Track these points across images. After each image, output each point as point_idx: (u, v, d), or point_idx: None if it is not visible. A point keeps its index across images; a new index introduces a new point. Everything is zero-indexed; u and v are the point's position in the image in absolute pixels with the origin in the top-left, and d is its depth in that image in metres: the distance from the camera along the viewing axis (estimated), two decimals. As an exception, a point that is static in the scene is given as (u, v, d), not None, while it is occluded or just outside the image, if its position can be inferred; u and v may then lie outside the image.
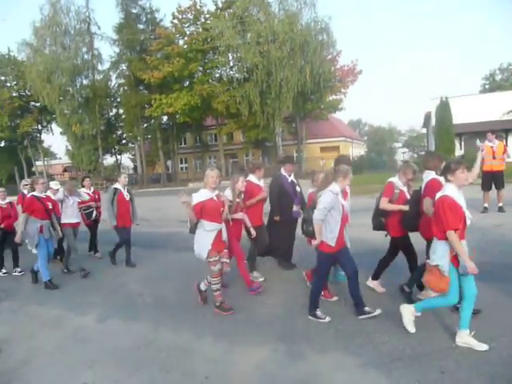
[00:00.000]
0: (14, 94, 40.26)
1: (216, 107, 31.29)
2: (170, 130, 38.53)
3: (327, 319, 4.49)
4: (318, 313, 4.55)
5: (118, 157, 47.88)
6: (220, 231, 4.95)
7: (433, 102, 27.91)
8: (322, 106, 33.60)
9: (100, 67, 38.24)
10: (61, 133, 41.36)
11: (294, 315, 4.79)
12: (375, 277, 5.32)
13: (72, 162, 42.42)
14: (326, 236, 4.43)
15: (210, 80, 33.84)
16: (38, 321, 5.32)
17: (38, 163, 47.28)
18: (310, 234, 4.66)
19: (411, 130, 68.22)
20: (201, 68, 33.86)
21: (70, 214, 7.43)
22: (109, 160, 49.43)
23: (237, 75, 31.48)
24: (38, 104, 39.86)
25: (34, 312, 5.68)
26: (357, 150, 46.85)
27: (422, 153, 49.79)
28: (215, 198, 4.91)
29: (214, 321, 4.82)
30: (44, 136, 46.32)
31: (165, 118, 37.77)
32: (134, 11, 36.93)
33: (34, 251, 6.56)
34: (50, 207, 6.72)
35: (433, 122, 28.16)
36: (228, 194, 5.48)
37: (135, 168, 51.88)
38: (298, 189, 6.47)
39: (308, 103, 32.40)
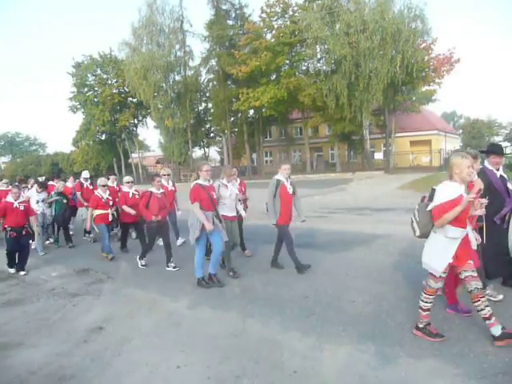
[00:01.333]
0: (114, 91, 43.35)
1: (302, 100, 31.08)
2: (256, 124, 39.08)
3: None
4: None
5: (206, 149, 49.68)
6: (466, 238, 3.83)
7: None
8: (414, 98, 31.94)
9: (191, 63, 39.77)
10: (154, 126, 43.91)
11: (385, 316, 4.60)
12: None
13: (164, 154, 44.80)
14: None
15: (297, 73, 33.70)
16: (135, 303, 5.68)
17: (134, 155, 50.61)
18: None
19: (514, 123, 62.17)
20: (287, 61, 33.83)
21: (228, 206, 6.58)
22: (197, 153, 51.47)
23: (324, 67, 31.00)
24: (134, 100, 42.53)
25: (131, 294, 6.08)
26: (451, 145, 43.75)
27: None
28: (464, 194, 3.74)
29: (301, 315, 4.80)
30: (139, 130, 49.40)
31: (251, 111, 38.36)
32: (224, 8, 37.85)
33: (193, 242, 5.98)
34: (215, 197, 6.16)
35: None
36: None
37: (222, 160, 53.48)
38: (510, 186, 4.99)
39: (398, 95, 30.97)
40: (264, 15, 33.87)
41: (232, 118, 40.67)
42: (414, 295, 5.09)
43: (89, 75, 44.62)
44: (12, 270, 7.74)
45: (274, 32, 33.50)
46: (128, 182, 8.79)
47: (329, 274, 6.31)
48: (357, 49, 27.24)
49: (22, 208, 7.69)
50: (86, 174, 11.75)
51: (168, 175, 9.30)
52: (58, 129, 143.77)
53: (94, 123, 44.47)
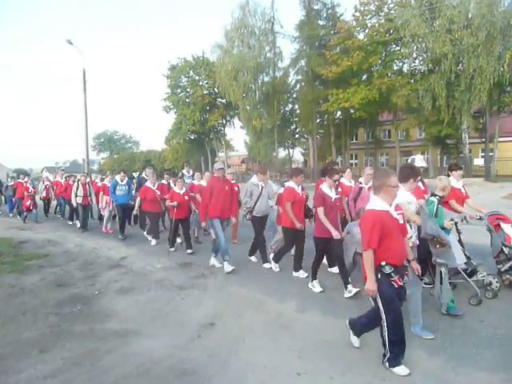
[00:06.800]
0: (205, 92, 44.87)
1: (395, 101, 29.67)
2: (344, 126, 38.16)
3: None
4: None
5: (291, 150, 49.65)
6: None
7: None
8: (525, 99, 28.93)
9: (280, 64, 39.70)
10: (241, 127, 44.73)
11: (525, 341, 4.07)
12: None
13: (249, 154, 45.46)
14: None
15: (389, 73, 32.30)
16: (241, 301, 5.64)
17: (220, 154, 52.00)
18: None
19: None
20: (380, 61, 32.56)
21: None
22: (280, 153, 51.58)
23: (420, 67, 29.37)
24: (223, 100, 43.65)
25: (236, 292, 6.06)
26: None
27: None
28: None
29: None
30: (227, 130, 50.63)
31: (338, 113, 37.55)
32: (315, 7, 37.44)
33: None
34: None
35: None
36: None
37: (305, 162, 53.08)
38: None
39: (505, 95, 28.34)
40: (357, 14, 32.86)
41: (318, 120, 40.15)
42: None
43: (182, 77, 46.59)
44: (356, 343, 4.19)
45: (367, 31, 32.39)
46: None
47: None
48: (459, 46, 25.38)
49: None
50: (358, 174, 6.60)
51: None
52: (151, 128, 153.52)
53: (185, 123, 46.28)
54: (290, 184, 6.76)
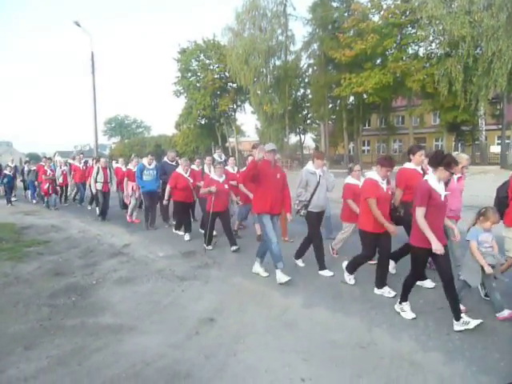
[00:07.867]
0: (216, 76, 44.20)
1: (410, 86, 28.82)
2: (356, 111, 37.33)
3: None
4: None
5: (302, 136, 48.93)
6: None
7: None
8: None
9: (292, 48, 38.91)
10: (252, 112, 44.10)
11: None
12: None
13: (260, 139, 44.90)
14: None
15: (405, 57, 31.34)
16: (244, 294, 5.34)
17: (231, 139, 51.52)
18: None
19: None
20: (395, 44, 31.57)
21: None
22: (292, 139, 50.89)
23: (437, 50, 28.38)
24: (234, 85, 43.01)
25: (240, 284, 5.76)
26: None
27: None
28: None
29: (440, 332, 4.08)
30: (237, 115, 49.96)
31: (351, 98, 36.71)
32: (329, -12, 36.42)
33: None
34: None
35: None
36: None
37: (317, 148, 52.37)
38: None
39: (525, 80, 27.32)
40: (373, -5, 31.86)
41: (330, 105, 39.36)
42: None
43: (193, 60, 45.97)
44: None
45: (382, 12, 31.39)
46: None
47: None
48: (478, 29, 24.38)
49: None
50: None
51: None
52: (162, 113, 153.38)
53: (195, 107, 45.77)
54: (373, 176, 5.18)
